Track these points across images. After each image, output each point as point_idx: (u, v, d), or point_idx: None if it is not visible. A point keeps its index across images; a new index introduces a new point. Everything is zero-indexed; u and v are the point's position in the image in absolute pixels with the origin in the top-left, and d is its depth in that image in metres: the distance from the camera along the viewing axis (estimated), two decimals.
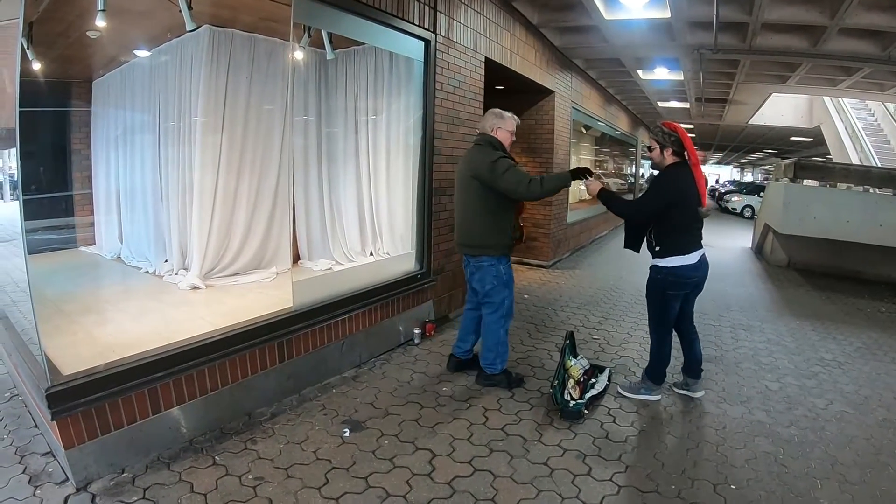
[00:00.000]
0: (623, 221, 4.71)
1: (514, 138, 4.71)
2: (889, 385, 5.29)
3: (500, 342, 4.72)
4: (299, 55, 6.23)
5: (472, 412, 4.34)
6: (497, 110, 4.68)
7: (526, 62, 8.46)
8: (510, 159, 4.46)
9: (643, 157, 23.08)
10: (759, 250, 13.65)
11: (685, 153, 4.28)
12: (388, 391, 4.66)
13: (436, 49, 5.89)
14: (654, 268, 4.41)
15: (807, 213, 10.03)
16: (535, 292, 8.47)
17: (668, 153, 4.30)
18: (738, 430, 4.21)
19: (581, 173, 4.48)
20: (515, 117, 4.70)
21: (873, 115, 18.46)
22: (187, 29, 5.44)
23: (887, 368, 5.75)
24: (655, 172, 4.65)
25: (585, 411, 4.33)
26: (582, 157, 14.40)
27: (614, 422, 4.28)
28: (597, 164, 16.65)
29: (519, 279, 9.20)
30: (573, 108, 11.42)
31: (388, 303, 5.50)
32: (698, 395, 4.74)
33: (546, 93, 9.96)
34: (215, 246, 6.09)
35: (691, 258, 4.27)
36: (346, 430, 3.95)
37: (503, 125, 4.58)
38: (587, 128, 14.00)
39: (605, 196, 4.43)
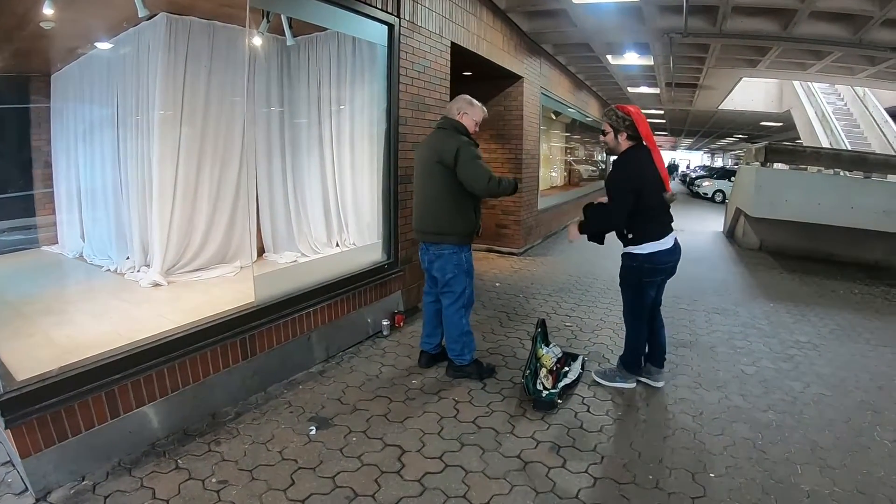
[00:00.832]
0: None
1: (478, 129, 4.61)
2: (865, 366, 5.26)
3: (465, 332, 4.60)
4: (260, 42, 6.04)
5: (443, 405, 4.20)
6: (467, 97, 4.57)
7: (493, 47, 8.32)
8: (475, 146, 4.36)
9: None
10: (730, 234, 13.67)
11: (640, 137, 4.14)
12: (356, 385, 4.51)
13: (400, 33, 5.74)
14: (628, 256, 4.27)
15: (779, 197, 10.02)
16: (506, 280, 8.34)
17: (622, 137, 4.16)
18: (715, 416, 4.13)
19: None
20: (484, 108, 4.61)
21: (843, 100, 18.62)
22: (139, 16, 5.22)
23: (862, 350, 5.73)
24: (612, 159, 4.53)
25: (559, 401, 4.21)
26: (552, 143, 14.36)
27: (588, 411, 4.17)
28: (567, 150, 16.60)
29: (490, 267, 9.20)
30: (542, 93, 11.31)
31: (355, 294, 5.35)
32: (659, 384, 4.63)
33: (514, 78, 9.82)
34: (177, 241, 5.88)
35: (666, 243, 4.15)
36: (313, 427, 3.81)
37: (470, 112, 4.48)
38: (557, 114, 13.93)
39: (586, 228, 4.32)
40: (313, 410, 4.08)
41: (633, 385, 4.56)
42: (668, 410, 4.23)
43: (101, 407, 3.29)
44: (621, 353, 4.66)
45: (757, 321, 6.58)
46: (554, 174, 15.01)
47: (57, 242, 7.20)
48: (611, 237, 4.38)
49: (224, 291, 5.30)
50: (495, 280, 8.24)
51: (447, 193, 4.30)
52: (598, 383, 4.60)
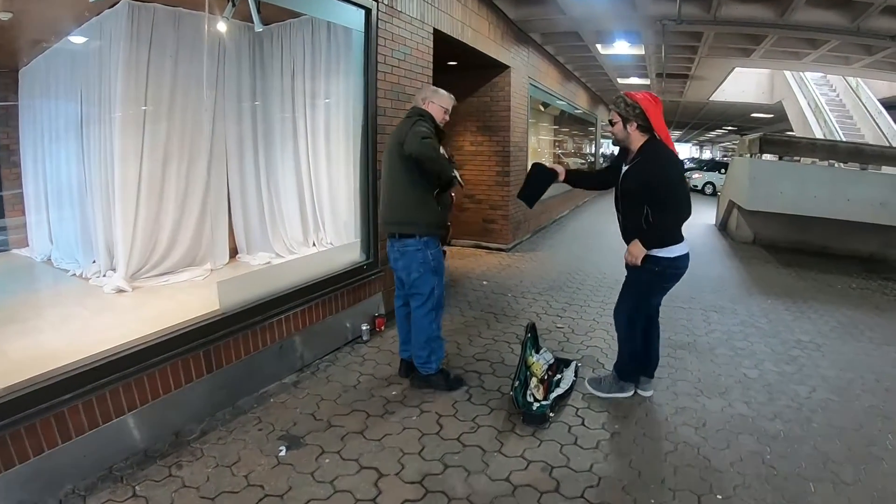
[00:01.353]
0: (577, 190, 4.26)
1: (448, 118, 4.37)
2: (870, 366, 5.06)
3: (433, 338, 4.30)
4: (229, 29, 5.76)
5: (425, 419, 3.88)
6: (432, 86, 4.46)
7: (479, 35, 8.03)
8: (433, 130, 4.09)
9: (603, 137, 22.92)
10: (723, 227, 13.57)
11: (652, 128, 3.74)
12: (332, 398, 4.19)
13: (378, 18, 5.43)
14: (649, 259, 3.81)
15: (773, 189, 9.92)
16: (494, 278, 8.06)
17: (632, 128, 3.76)
18: (719, 428, 3.85)
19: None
20: (451, 96, 4.37)
21: (835, 91, 18.53)
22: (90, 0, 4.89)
23: (866, 349, 5.54)
24: (616, 150, 4.16)
25: (551, 414, 3.89)
26: (541, 136, 14.15)
27: (583, 424, 3.87)
28: (556, 143, 16.40)
29: (477, 264, 8.95)
30: (530, 84, 11.05)
31: (332, 298, 5.03)
32: (648, 393, 4.33)
33: (501, 68, 9.54)
34: (142, 243, 5.56)
35: (686, 245, 3.86)
36: (283, 447, 3.48)
37: (436, 99, 4.26)
38: (545, 105, 13.68)
39: (646, 240, 3.82)
40: (284, 427, 3.76)
41: (631, 393, 4.26)
42: (668, 422, 3.93)
43: (50, 430, 2.98)
44: (615, 361, 4.35)
45: (756, 319, 6.35)
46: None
47: (27, 245, 6.89)
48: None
49: (191, 297, 4.98)
50: (483, 278, 7.97)
51: (409, 181, 4.05)
52: (594, 395, 4.28)
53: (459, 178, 4.41)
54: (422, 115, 4.12)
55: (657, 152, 3.73)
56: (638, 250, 3.78)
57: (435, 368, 4.33)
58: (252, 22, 5.53)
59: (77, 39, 5.87)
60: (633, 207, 3.86)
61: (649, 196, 3.72)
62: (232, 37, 5.90)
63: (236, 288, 4.25)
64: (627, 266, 3.96)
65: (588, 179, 4.96)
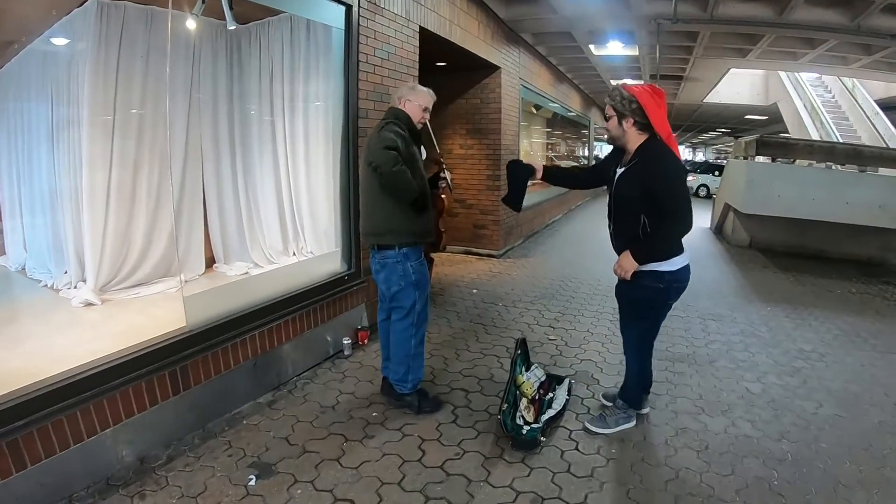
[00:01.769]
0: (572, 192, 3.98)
1: (428, 115, 4.09)
2: (876, 377, 4.88)
3: (412, 354, 4.04)
4: (204, 29, 5.52)
5: (406, 444, 3.61)
6: (412, 83, 4.33)
7: (468, 34, 7.80)
8: (401, 132, 3.79)
9: (596, 139, 22.76)
10: (718, 230, 13.45)
11: (651, 125, 3.35)
12: (308, 420, 3.91)
13: (359, 15, 5.20)
14: (652, 275, 3.45)
15: (771, 192, 9.78)
16: (484, 286, 7.81)
17: (628, 124, 3.36)
18: (723, 450, 3.60)
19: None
20: (432, 93, 4.09)
21: (830, 92, 18.40)
22: None
23: (870, 358, 5.35)
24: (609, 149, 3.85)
25: (542, 438, 3.62)
26: (533, 139, 13.97)
27: (577, 448, 3.60)
28: (549, 146, 16.20)
29: (467, 271, 8.71)
30: (522, 85, 10.82)
31: (311, 311, 4.77)
32: (645, 411, 4.06)
33: (492, 68, 9.31)
34: (112, 253, 5.28)
35: (687, 256, 3.53)
36: (253, 476, 3.22)
37: (413, 97, 3.99)
38: (538, 107, 13.46)
39: (638, 253, 3.42)
40: (255, 453, 3.49)
41: (635, 422, 3.92)
42: (668, 444, 3.67)
43: (4, 458, 2.75)
44: (622, 389, 3.97)
45: (756, 328, 6.14)
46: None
47: (4, 253, 6.63)
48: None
49: (163, 311, 4.67)
50: (472, 286, 7.72)
51: (380, 188, 3.77)
52: (597, 433, 3.83)
53: (450, 182, 4.19)
54: (396, 118, 3.87)
55: (657, 154, 3.34)
56: (629, 264, 3.40)
57: (409, 388, 4.07)
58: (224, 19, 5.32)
59: (48, 40, 5.61)
60: (626, 216, 3.49)
61: (646, 204, 3.34)
62: (207, 36, 5.65)
63: (206, 303, 3.99)
64: (621, 283, 3.60)
65: (569, 178, 4.64)
